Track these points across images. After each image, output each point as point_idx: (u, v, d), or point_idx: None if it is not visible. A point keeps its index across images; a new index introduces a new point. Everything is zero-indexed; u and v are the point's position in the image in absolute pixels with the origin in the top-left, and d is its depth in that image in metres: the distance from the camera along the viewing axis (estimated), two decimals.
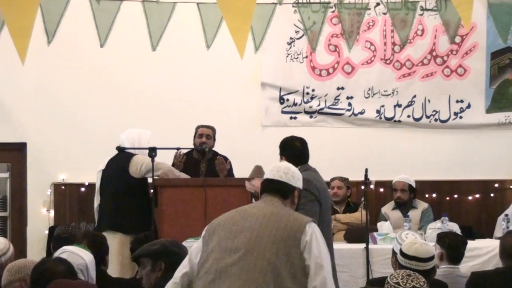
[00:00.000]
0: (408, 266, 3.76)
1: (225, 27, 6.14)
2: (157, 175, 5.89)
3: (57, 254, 3.89)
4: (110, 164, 6.11)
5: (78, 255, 3.85)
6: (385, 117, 8.35)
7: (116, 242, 5.72)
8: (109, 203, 6.05)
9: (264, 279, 3.11)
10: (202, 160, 6.49)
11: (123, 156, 6.07)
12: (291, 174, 3.49)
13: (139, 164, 5.94)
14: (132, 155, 6.03)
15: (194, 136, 6.54)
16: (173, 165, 6.26)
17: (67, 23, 6.92)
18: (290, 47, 8.23)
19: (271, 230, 3.22)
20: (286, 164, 3.58)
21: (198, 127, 6.58)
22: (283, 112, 8.28)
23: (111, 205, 6.03)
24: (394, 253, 4.30)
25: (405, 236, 4.72)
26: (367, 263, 5.77)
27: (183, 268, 3.35)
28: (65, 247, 3.97)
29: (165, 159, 6.25)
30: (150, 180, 6.06)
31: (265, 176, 3.53)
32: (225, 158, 6.44)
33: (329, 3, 7.58)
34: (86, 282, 3.68)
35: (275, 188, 3.46)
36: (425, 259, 3.84)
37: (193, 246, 3.40)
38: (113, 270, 5.38)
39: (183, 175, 6.09)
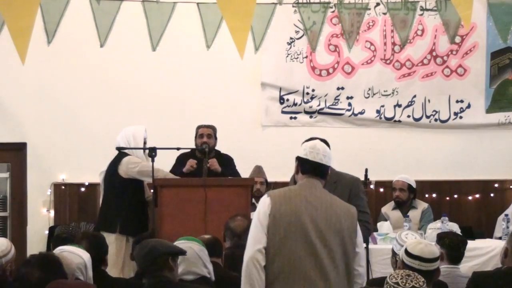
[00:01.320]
0: (411, 266, 3.75)
1: (225, 27, 6.13)
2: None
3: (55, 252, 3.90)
4: (108, 166, 6.12)
5: (77, 255, 3.88)
6: (385, 117, 8.34)
7: (111, 243, 5.70)
8: (104, 204, 6.09)
9: (337, 271, 3.44)
10: (205, 160, 6.49)
11: (118, 156, 6.06)
12: (328, 156, 3.63)
13: (129, 164, 5.93)
14: (124, 155, 6.01)
15: (195, 137, 6.54)
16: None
17: (67, 23, 6.92)
18: (290, 47, 8.23)
19: (335, 221, 3.48)
20: (322, 146, 3.65)
21: (198, 127, 6.57)
22: (283, 112, 8.28)
23: (104, 206, 6.07)
24: (394, 253, 4.29)
25: (405, 236, 4.70)
26: (367, 263, 5.74)
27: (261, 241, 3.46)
28: (63, 247, 3.99)
29: (165, 158, 6.25)
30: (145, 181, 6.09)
31: (305, 156, 3.60)
32: (229, 157, 6.45)
33: (329, 3, 7.58)
34: (85, 282, 3.68)
35: (318, 172, 3.60)
36: (429, 260, 3.82)
37: (256, 222, 3.48)
38: (112, 270, 5.37)
39: (169, 175, 6.08)
